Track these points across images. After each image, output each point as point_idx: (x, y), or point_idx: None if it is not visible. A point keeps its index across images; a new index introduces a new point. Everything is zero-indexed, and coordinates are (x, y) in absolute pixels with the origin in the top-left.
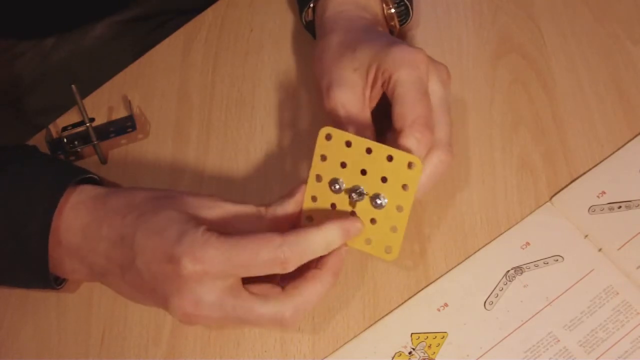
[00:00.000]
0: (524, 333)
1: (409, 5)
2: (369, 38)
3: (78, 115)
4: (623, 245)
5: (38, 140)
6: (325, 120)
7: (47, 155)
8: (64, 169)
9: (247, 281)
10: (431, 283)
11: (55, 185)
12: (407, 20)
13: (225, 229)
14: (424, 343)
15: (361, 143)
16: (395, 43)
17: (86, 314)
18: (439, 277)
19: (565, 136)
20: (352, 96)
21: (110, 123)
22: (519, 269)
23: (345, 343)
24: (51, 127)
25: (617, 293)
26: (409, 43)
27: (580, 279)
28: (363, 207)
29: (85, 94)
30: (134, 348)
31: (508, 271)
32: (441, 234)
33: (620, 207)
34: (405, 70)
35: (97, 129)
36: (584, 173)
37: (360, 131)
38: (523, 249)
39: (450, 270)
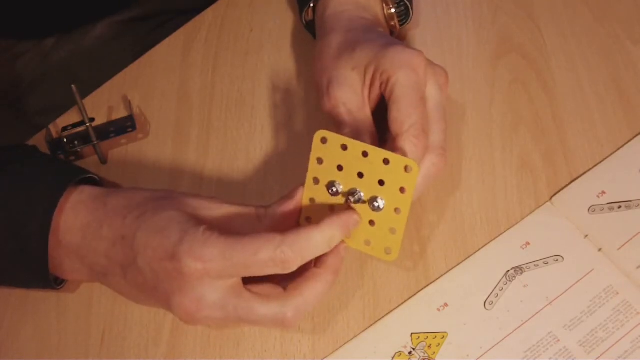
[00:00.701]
0: (524, 333)
1: (409, 6)
2: (368, 38)
3: (78, 115)
4: (623, 245)
5: (38, 140)
6: (324, 121)
7: (47, 155)
8: (64, 169)
9: (248, 281)
10: (431, 283)
11: (55, 185)
12: (407, 21)
13: (225, 229)
14: (424, 343)
15: (357, 146)
16: (394, 44)
17: (86, 314)
18: (439, 277)
19: (565, 136)
20: (352, 95)
21: (110, 123)
22: (519, 269)
23: (345, 343)
24: (51, 127)
25: (617, 293)
26: (408, 44)
27: (580, 279)
28: (361, 209)
29: (85, 94)
30: (134, 348)
31: (508, 271)
32: (441, 234)
33: (620, 207)
34: (404, 73)
35: (97, 129)
36: (584, 173)
37: (361, 130)
38: (523, 248)
39: (450, 270)
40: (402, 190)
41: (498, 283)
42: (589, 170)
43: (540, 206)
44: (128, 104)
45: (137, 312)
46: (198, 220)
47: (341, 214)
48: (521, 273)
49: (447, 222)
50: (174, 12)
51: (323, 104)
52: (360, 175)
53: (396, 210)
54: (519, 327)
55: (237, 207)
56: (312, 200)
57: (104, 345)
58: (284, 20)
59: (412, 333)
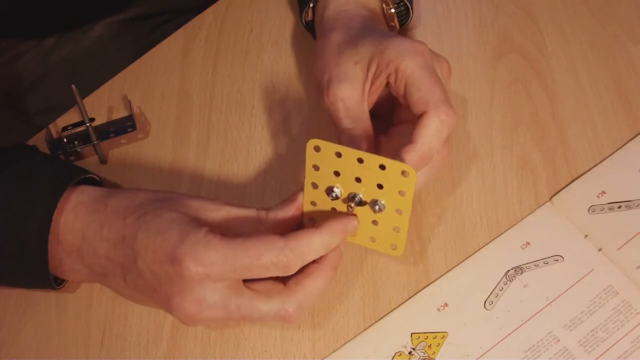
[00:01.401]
0: (524, 333)
1: (409, 6)
2: (369, 33)
3: (78, 115)
4: (623, 245)
5: (38, 140)
6: (324, 120)
7: (47, 155)
8: (64, 169)
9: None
10: (431, 283)
11: (55, 185)
12: (407, 21)
13: (226, 231)
14: (424, 343)
15: (351, 154)
16: (396, 36)
17: (86, 314)
18: (439, 277)
19: (565, 136)
20: (351, 91)
21: (110, 123)
22: (519, 269)
23: (345, 343)
24: (51, 127)
25: (617, 293)
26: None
27: (580, 279)
28: (363, 210)
29: (85, 94)
30: (134, 348)
31: (508, 271)
32: (441, 234)
33: (620, 207)
34: (411, 59)
35: (97, 129)
36: (584, 173)
37: (357, 126)
38: (523, 248)
39: (450, 270)
40: (401, 193)
41: (498, 283)
42: (589, 170)
43: (540, 206)
44: (128, 104)
45: (137, 312)
46: (199, 222)
47: (341, 219)
48: (521, 273)
49: (447, 222)
50: (174, 12)
51: (322, 100)
52: (358, 179)
53: (398, 211)
54: (519, 327)
55: (238, 208)
56: (313, 203)
57: (104, 345)
58: (284, 20)
59: (412, 333)
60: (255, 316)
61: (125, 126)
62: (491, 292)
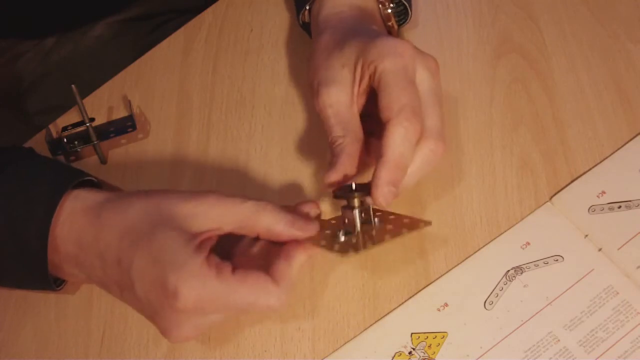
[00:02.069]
0: (524, 333)
1: (408, 6)
2: (356, 34)
3: (78, 115)
4: (623, 245)
5: (38, 140)
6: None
7: (44, 157)
8: (62, 170)
9: (236, 267)
10: (431, 283)
11: (54, 187)
12: (406, 21)
13: (222, 239)
14: (424, 343)
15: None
16: (380, 35)
17: (86, 314)
18: (439, 277)
19: (565, 136)
20: (339, 95)
21: (110, 123)
22: (519, 269)
23: (345, 343)
24: (51, 127)
25: (617, 293)
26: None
27: (580, 279)
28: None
29: (85, 94)
30: (134, 348)
31: (508, 271)
32: (441, 234)
33: (620, 207)
34: (390, 60)
35: (97, 129)
36: (584, 173)
37: (347, 131)
38: (523, 248)
39: (450, 270)
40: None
41: (498, 283)
42: (589, 170)
43: (540, 206)
44: (128, 104)
45: (137, 312)
46: (195, 241)
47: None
48: (521, 273)
49: (447, 222)
50: (174, 12)
51: (314, 104)
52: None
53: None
54: (519, 327)
55: (231, 209)
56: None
57: (104, 345)
58: (284, 20)
59: (412, 333)
60: (251, 310)
61: (125, 126)
62: (491, 292)
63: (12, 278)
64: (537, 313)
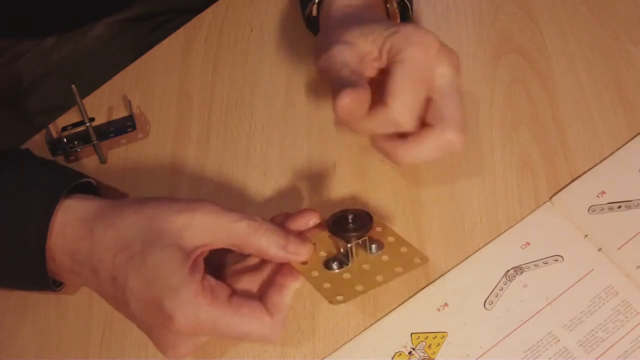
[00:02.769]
0: (524, 333)
1: (409, 6)
2: (377, 20)
3: (78, 115)
4: (623, 245)
5: (38, 140)
6: (324, 120)
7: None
8: (60, 171)
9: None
10: (431, 283)
11: (52, 187)
12: (407, 20)
13: (216, 256)
14: (424, 343)
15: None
16: (409, 24)
17: (86, 314)
18: (439, 277)
19: (565, 136)
20: (352, 53)
21: (110, 123)
22: (518, 269)
23: (345, 343)
24: (51, 127)
25: (617, 293)
26: None
27: (580, 279)
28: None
29: (85, 94)
30: (134, 348)
31: (508, 271)
32: (441, 234)
33: (620, 207)
34: (414, 50)
35: (97, 129)
36: (584, 173)
37: (359, 80)
38: (523, 248)
39: (450, 270)
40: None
41: (498, 283)
42: (589, 170)
43: (540, 206)
44: (128, 104)
45: None
46: (188, 263)
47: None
48: (521, 273)
49: (447, 222)
50: (174, 12)
51: (319, 61)
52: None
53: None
54: (519, 327)
55: (225, 227)
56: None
57: (104, 345)
58: (284, 20)
59: (412, 333)
60: (240, 337)
61: (125, 126)
62: (491, 292)
63: (11, 278)
64: (537, 313)
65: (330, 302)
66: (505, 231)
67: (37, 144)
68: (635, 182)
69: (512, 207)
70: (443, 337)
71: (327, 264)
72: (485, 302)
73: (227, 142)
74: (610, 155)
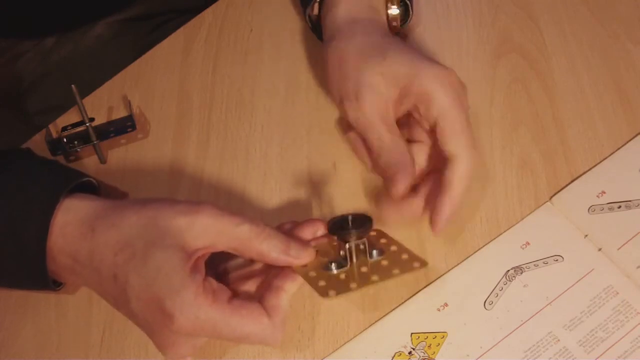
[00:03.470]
0: (524, 333)
1: (409, 5)
2: (394, 46)
3: (78, 115)
4: (623, 245)
5: (38, 140)
6: (323, 120)
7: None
8: (60, 171)
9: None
10: (431, 283)
11: (52, 187)
12: (407, 21)
13: (218, 262)
14: (424, 343)
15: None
16: (425, 58)
17: (86, 314)
18: (439, 277)
19: (565, 136)
20: (381, 102)
21: (110, 123)
22: (518, 269)
23: (345, 343)
24: (51, 127)
25: (617, 293)
26: (409, 43)
27: (580, 279)
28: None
29: (85, 94)
30: (134, 348)
31: (508, 271)
32: (441, 234)
33: (620, 206)
34: (445, 91)
35: (97, 129)
36: (584, 173)
37: (389, 133)
38: (523, 248)
39: (450, 270)
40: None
41: (498, 283)
42: (589, 170)
43: (540, 206)
44: (128, 104)
45: None
46: (189, 264)
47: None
48: (521, 273)
49: None
50: (174, 12)
51: (349, 110)
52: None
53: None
54: (519, 327)
55: (226, 231)
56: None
57: (104, 345)
58: (284, 20)
59: (412, 333)
60: (240, 339)
61: (125, 126)
62: (491, 292)
63: (11, 278)
64: (537, 313)
65: (321, 295)
66: (505, 231)
67: (37, 144)
68: (635, 182)
69: (512, 207)
70: (443, 337)
71: (325, 266)
72: (485, 302)
73: (227, 142)
74: (610, 155)
